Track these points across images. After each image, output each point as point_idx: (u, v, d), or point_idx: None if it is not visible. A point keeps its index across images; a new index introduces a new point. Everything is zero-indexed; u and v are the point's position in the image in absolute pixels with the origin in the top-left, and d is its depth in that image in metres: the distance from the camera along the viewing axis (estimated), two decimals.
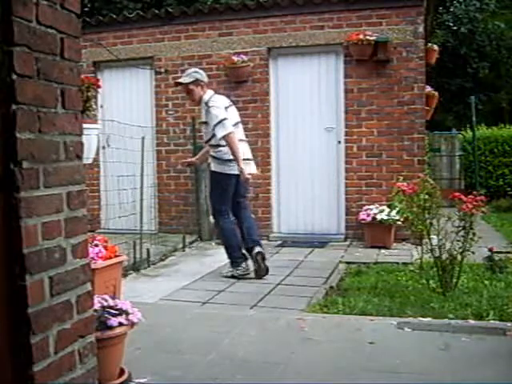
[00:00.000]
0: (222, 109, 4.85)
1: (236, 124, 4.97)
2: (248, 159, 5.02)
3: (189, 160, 5.76)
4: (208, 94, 4.98)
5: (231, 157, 4.78)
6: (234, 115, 5.01)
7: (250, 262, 4.99)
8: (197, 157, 5.57)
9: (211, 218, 6.68)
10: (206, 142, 5.05)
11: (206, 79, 5.04)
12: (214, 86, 7.05)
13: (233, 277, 4.93)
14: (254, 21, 6.94)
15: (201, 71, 5.09)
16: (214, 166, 4.99)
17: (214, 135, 4.83)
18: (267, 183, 6.91)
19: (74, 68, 1.92)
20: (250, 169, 5.02)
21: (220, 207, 5.00)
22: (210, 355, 2.97)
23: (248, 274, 4.97)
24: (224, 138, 4.75)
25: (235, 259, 4.99)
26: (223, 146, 4.83)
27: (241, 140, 4.96)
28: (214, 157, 4.97)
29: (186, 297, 4.34)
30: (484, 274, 4.70)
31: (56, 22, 1.81)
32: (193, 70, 5.15)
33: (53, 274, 1.78)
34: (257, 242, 4.97)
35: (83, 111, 3.17)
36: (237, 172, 4.80)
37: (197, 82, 4.93)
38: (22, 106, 1.65)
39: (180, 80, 5.11)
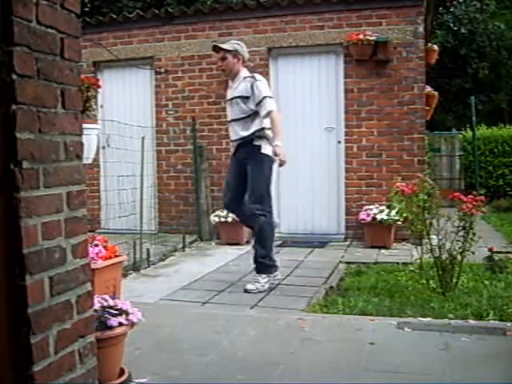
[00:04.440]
0: (267, 86, 4.59)
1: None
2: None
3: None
4: (247, 71, 4.68)
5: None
6: None
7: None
8: None
9: (211, 218, 6.72)
10: (242, 118, 4.56)
11: (246, 55, 4.71)
12: (214, 86, 7.10)
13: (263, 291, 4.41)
14: (253, 21, 6.94)
15: (243, 45, 4.74)
16: (266, 149, 4.49)
17: (257, 113, 4.49)
18: None
19: (74, 68, 1.92)
20: None
21: (267, 195, 4.49)
22: (210, 355, 2.97)
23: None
24: (271, 112, 4.43)
25: (273, 263, 4.54)
26: (269, 128, 4.50)
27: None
28: (266, 138, 4.51)
29: (186, 297, 4.33)
30: (484, 274, 4.69)
31: (56, 22, 1.81)
32: (236, 41, 4.89)
33: (53, 274, 1.78)
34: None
35: (83, 111, 3.17)
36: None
37: (235, 52, 4.63)
38: (21, 105, 1.65)
39: (220, 44, 4.79)
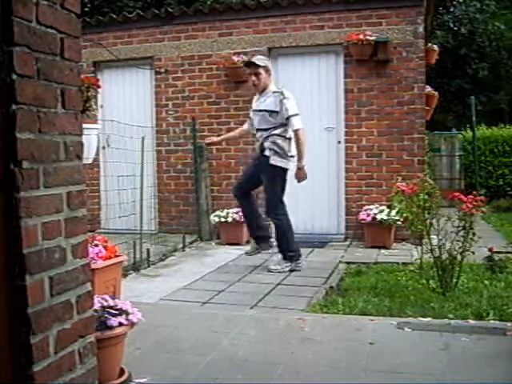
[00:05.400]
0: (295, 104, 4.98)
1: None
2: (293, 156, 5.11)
3: (213, 139, 5.76)
4: (276, 86, 5.16)
5: (292, 153, 5.00)
6: None
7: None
8: (222, 137, 5.76)
9: (211, 218, 6.73)
10: (266, 129, 5.00)
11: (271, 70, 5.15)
12: (214, 86, 7.10)
13: (290, 271, 5.08)
14: (254, 21, 6.94)
15: (267, 60, 5.20)
16: (275, 160, 4.98)
17: (282, 125, 4.93)
18: None
19: (74, 68, 1.92)
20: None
21: (278, 202, 5.10)
22: (210, 355, 2.97)
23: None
24: (297, 131, 4.88)
25: (293, 253, 5.14)
26: (287, 139, 4.97)
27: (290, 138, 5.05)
28: (275, 151, 4.97)
29: (186, 297, 4.34)
30: (484, 274, 4.69)
31: (56, 22, 1.81)
32: (263, 57, 5.30)
33: (53, 274, 1.78)
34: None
35: (83, 111, 3.17)
36: (290, 168, 5.04)
37: (266, 68, 5.01)
38: (21, 105, 1.65)
39: (254, 59, 5.10)
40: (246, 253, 5.40)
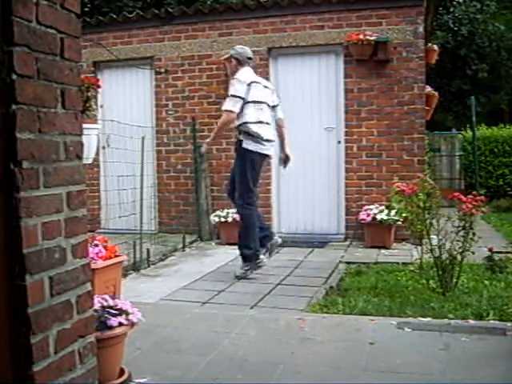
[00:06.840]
0: (241, 85, 4.77)
1: (259, 103, 4.87)
2: (269, 140, 4.90)
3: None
4: (241, 71, 4.91)
5: (268, 137, 4.87)
6: (257, 94, 4.86)
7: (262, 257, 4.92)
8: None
9: (211, 218, 6.73)
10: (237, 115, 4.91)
11: (242, 56, 4.96)
12: (214, 86, 7.10)
13: (245, 274, 4.83)
14: (254, 21, 6.94)
15: (239, 48, 5.09)
16: (247, 143, 4.81)
17: (243, 109, 4.79)
18: (267, 183, 6.91)
19: (74, 68, 1.92)
20: (269, 150, 4.96)
21: (250, 191, 4.85)
22: (210, 355, 2.97)
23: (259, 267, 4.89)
24: (224, 111, 4.83)
25: (250, 251, 4.84)
26: (256, 122, 4.81)
27: (261, 122, 4.84)
28: (248, 133, 4.81)
29: (186, 297, 4.34)
30: (484, 274, 4.69)
31: (56, 22, 1.81)
32: (240, 46, 5.22)
33: (53, 274, 1.78)
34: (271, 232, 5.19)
35: (83, 111, 3.17)
36: (269, 153, 4.96)
37: (230, 57, 5.03)
38: (21, 105, 1.65)
39: (227, 54, 5.22)
40: (236, 277, 4.89)
